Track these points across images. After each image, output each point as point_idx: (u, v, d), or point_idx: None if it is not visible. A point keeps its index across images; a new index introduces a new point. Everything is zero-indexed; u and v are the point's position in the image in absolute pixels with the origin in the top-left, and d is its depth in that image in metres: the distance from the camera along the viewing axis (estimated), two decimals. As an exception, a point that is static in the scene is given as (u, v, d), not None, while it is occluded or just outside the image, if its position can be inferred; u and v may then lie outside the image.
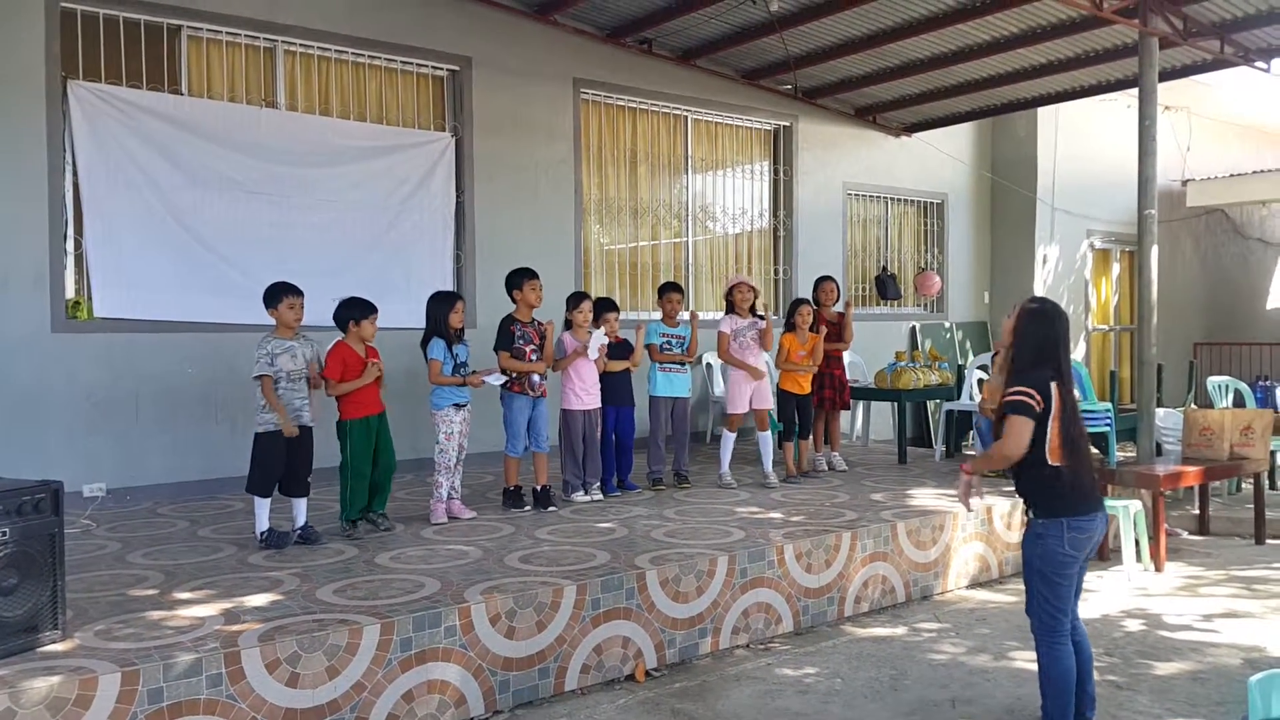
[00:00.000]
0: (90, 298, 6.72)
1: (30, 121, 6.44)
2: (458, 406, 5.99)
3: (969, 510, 4.09)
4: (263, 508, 5.33)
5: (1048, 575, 3.71)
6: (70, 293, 6.73)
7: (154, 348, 6.87)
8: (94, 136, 6.66)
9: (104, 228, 6.70)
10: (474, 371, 6.04)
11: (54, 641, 3.69)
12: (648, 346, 7.09)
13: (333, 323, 5.67)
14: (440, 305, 6.00)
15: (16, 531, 3.58)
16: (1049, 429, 3.66)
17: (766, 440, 7.27)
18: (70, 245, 6.70)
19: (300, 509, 5.42)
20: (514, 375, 6.24)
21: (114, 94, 6.75)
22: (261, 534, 5.32)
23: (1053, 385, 3.67)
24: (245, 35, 7.35)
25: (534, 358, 6.27)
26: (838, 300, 8.12)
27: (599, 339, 6.47)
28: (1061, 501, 3.70)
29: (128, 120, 6.78)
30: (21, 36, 6.41)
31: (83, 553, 5.15)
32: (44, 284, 6.49)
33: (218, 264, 7.10)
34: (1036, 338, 3.77)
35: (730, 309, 7.28)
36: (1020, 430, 3.65)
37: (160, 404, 6.89)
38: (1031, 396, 3.64)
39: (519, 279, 6.38)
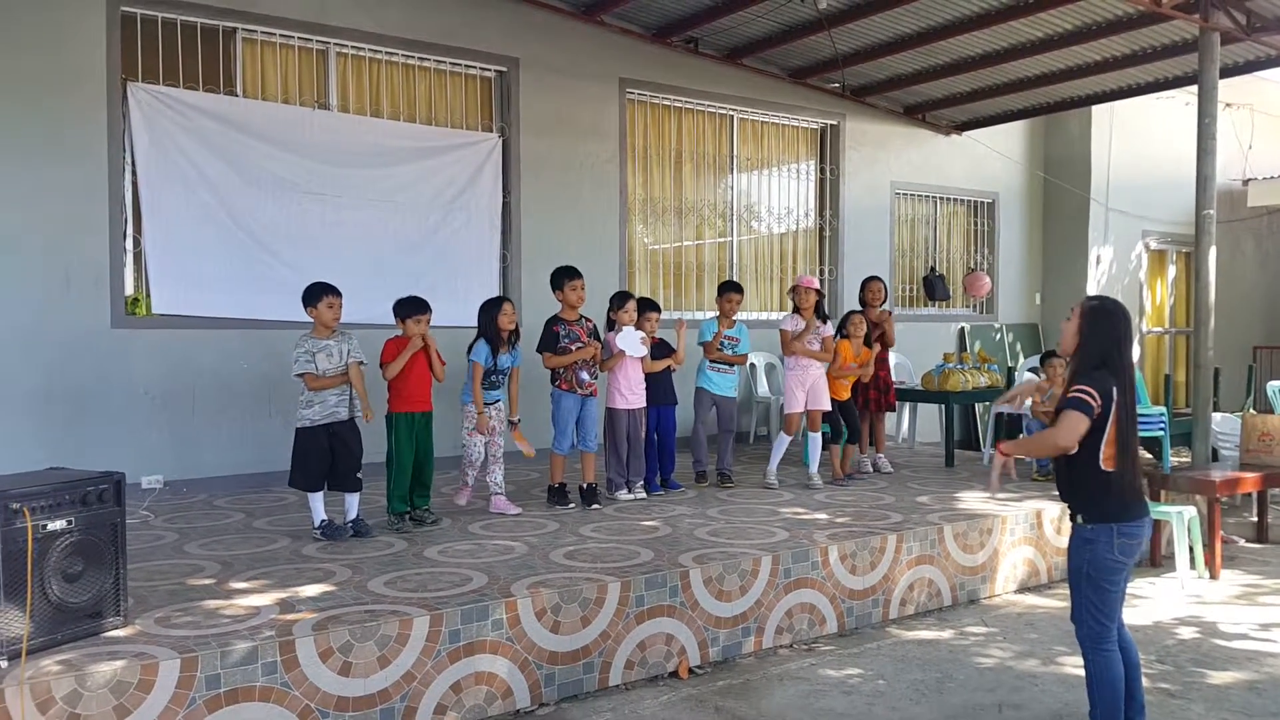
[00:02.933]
0: (149, 295, 6.89)
1: (92, 123, 6.61)
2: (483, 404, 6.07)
3: (993, 493, 4.01)
4: (316, 500, 5.45)
5: (1097, 582, 3.66)
6: (129, 290, 6.91)
7: (210, 343, 7.03)
8: (152, 137, 6.82)
9: (162, 226, 6.86)
10: (509, 423, 6.24)
11: (116, 628, 3.81)
12: (702, 344, 7.12)
13: (380, 321, 5.76)
14: (488, 310, 6.11)
15: (81, 520, 3.69)
16: (1106, 432, 3.60)
17: (816, 441, 7.23)
18: (129, 244, 6.87)
19: (352, 503, 5.52)
20: (561, 373, 6.31)
21: (171, 95, 6.91)
22: (320, 524, 5.43)
23: (1114, 389, 3.60)
24: (298, 38, 7.48)
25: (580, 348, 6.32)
26: (884, 301, 8.06)
27: (631, 335, 6.48)
28: (1112, 507, 3.64)
29: (184, 121, 6.94)
30: (84, 41, 6.58)
31: (142, 543, 5.28)
32: (104, 282, 6.67)
33: (271, 262, 7.24)
34: (1101, 337, 3.69)
35: (795, 309, 7.22)
36: (1075, 425, 3.57)
37: (216, 398, 7.05)
38: (1092, 396, 3.56)
39: (559, 279, 6.43)
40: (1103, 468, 3.62)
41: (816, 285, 7.21)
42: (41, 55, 6.44)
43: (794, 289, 7.28)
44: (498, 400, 6.16)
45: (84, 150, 6.59)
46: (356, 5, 7.64)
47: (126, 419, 6.72)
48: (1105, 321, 3.72)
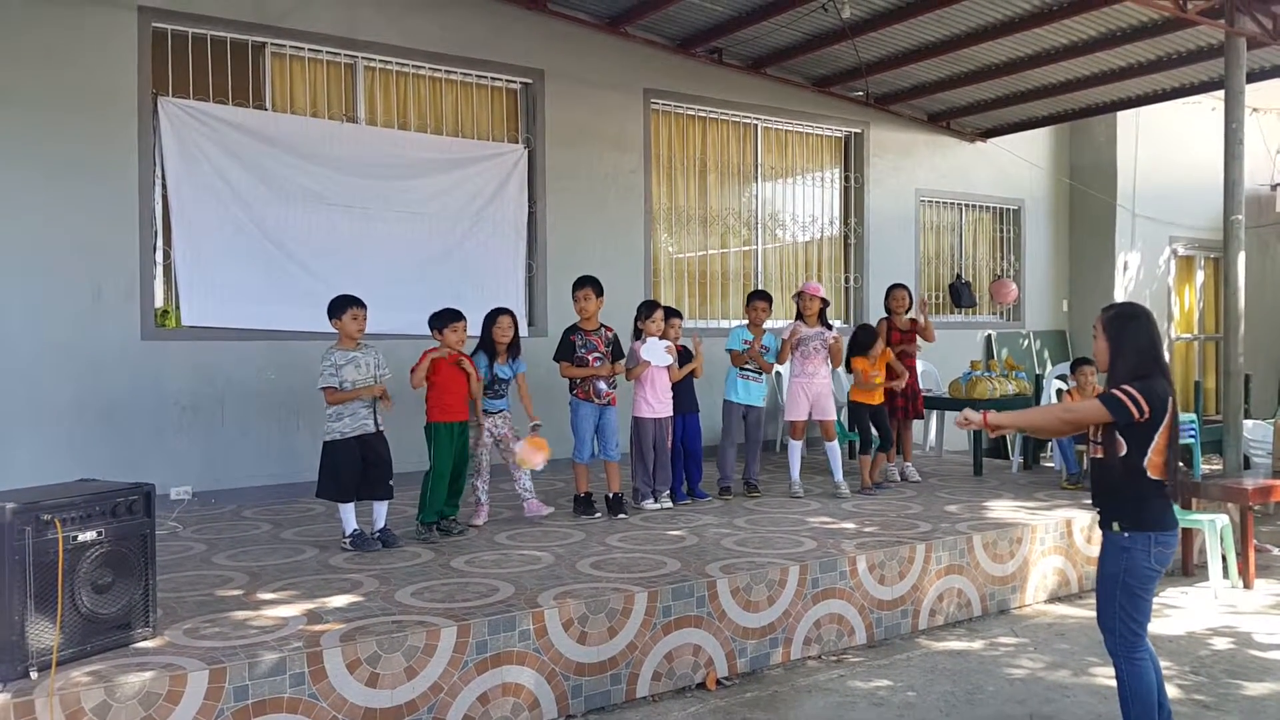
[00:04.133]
0: (178, 307, 6.96)
1: (123, 137, 6.70)
2: (485, 413, 6.10)
3: (959, 425, 3.85)
4: (347, 511, 5.47)
5: (1133, 590, 3.61)
6: (159, 302, 6.98)
7: (238, 355, 7.09)
8: (182, 151, 6.90)
9: (191, 239, 6.94)
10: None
11: (145, 639, 3.83)
12: (729, 351, 7.11)
13: (408, 331, 5.79)
14: (484, 320, 6.18)
15: (111, 532, 3.72)
16: (1155, 440, 3.52)
17: (834, 450, 7.20)
18: (159, 256, 6.95)
19: (380, 512, 5.54)
20: (578, 382, 6.32)
21: (201, 109, 6.99)
22: (351, 535, 5.45)
23: (1169, 397, 3.52)
24: (326, 52, 7.56)
25: (597, 364, 6.32)
26: (909, 308, 8.02)
27: (655, 345, 6.47)
28: (1151, 515, 3.59)
29: (214, 135, 7.02)
30: (115, 56, 6.68)
31: (170, 554, 5.32)
32: (135, 294, 6.75)
33: (300, 274, 7.30)
34: (1134, 341, 3.57)
35: (798, 315, 7.24)
36: (1095, 415, 3.51)
37: (244, 409, 7.11)
38: (1136, 402, 3.45)
39: (572, 289, 6.45)
40: (1150, 475, 3.55)
41: (821, 293, 7.22)
42: (74, 71, 6.53)
43: (799, 294, 7.25)
44: (502, 410, 6.19)
45: (115, 164, 6.68)
46: (384, 20, 7.71)
47: (156, 430, 6.79)
48: (1131, 325, 3.61)
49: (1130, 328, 3.61)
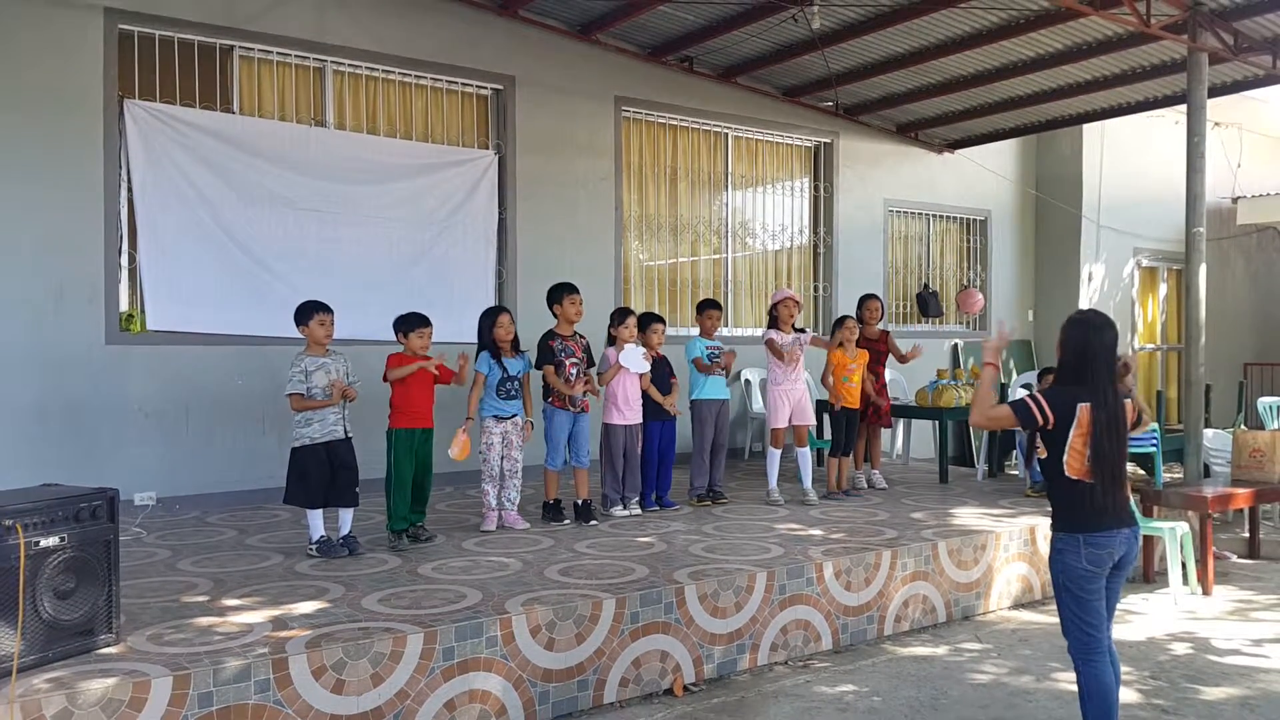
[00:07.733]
0: (143, 311, 6.88)
1: (88, 140, 6.63)
2: (498, 419, 6.06)
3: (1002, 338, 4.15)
4: (314, 517, 5.43)
5: (1073, 591, 3.71)
6: (124, 306, 6.90)
7: (204, 360, 7.03)
8: (148, 153, 6.84)
9: (157, 243, 6.87)
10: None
11: (108, 645, 3.79)
12: (693, 361, 7.10)
13: (376, 337, 5.76)
14: (483, 320, 6.14)
15: (74, 537, 3.68)
16: (1068, 443, 3.63)
17: (806, 457, 7.25)
18: (124, 260, 6.88)
19: (346, 519, 5.51)
20: (569, 379, 6.32)
21: (168, 112, 6.93)
22: (317, 541, 5.41)
23: (1080, 406, 3.61)
24: (295, 55, 7.52)
25: (574, 370, 6.32)
26: (881, 318, 8.09)
27: (633, 351, 6.49)
28: (1078, 517, 3.68)
29: (181, 138, 6.96)
30: (82, 58, 6.61)
31: (134, 560, 5.26)
32: (99, 298, 6.67)
33: (267, 279, 7.25)
34: (1077, 345, 3.70)
35: (773, 323, 7.28)
36: (1006, 419, 3.76)
37: (209, 415, 7.04)
38: (1039, 405, 3.63)
39: (559, 294, 6.45)
40: (1068, 476, 3.67)
41: (797, 297, 7.38)
42: (39, 72, 6.46)
43: (779, 303, 7.28)
44: (514, 415, 6.13)
45: (80, 166, 6.61)
46: (354, 24, 7.68)
47: (120, 435, 6.71)
48: (1082, 330, 3.73)
49: (1076, 330, 3.76)
